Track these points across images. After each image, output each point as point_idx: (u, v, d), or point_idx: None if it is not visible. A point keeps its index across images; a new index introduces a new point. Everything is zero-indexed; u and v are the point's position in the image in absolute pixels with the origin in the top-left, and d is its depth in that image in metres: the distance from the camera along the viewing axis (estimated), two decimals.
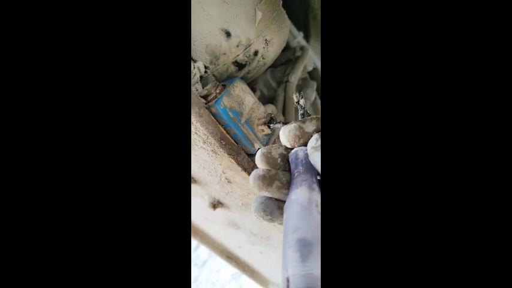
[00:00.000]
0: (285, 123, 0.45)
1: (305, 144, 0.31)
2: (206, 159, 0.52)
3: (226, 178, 0.54)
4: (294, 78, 0.76)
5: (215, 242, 0.96)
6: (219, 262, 1.81)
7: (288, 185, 0.31)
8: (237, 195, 0.58)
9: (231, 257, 1.00)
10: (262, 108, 0.50)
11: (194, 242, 1.87)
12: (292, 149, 0.33)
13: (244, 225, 0.73)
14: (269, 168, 0.32)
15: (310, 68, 0.91)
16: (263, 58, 0.53)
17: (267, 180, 0.31)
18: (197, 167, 0.56)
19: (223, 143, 0.46)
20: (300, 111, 0.39)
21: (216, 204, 0.66)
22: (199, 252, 1.92)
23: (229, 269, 1.76)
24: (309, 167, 0.30)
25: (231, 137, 0.47)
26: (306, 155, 0.30)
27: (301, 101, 0.40)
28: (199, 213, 0.80)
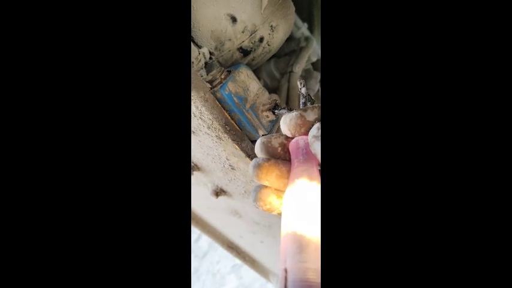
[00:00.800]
0: (290, 109, 0.45)
1: (306, 134, 0.31)
2: (210, 146, 0.52)
3: (229, 165, 0.54)
4: (298, 69, 0.76)
5: (217, 231, 0.97)
6: (220, 253, 1.83)
7: (287, 175, 0.30)
8: (240, 182, 0.59)
9: (232, 247, 1.01)
10: (267, 94, 0.50)
11: (195, 234, 1.89)
12: (293, 138, 0.32)
13: (246, 214, 0.73)
14: (269, 157, 0.32)
15: (314, 59, 0.91)
16: (268, 45, 0.53)
17: (266, 169, 0.30)
18: (201, 154, 0.56)
19: (228, 129, 0.46)
20: (302, 100, 0.39)
21: (218, 192, 0.66)
22: (199, 243, 1.94)
23: (230, 261, 1.77)
24: (310, 156, 0.29)
25: (235, 123, 0.47)
26: (307, 144, 0.30)
27: (303, 89, 0.40)
28: (202, 201, 0.80)
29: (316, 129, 0.29)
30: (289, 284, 0.22)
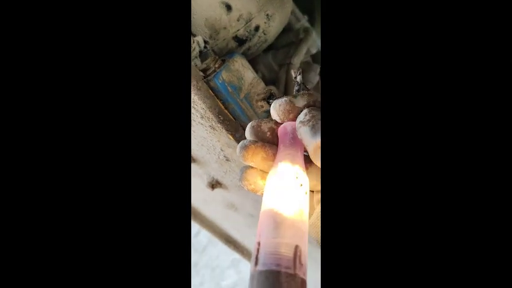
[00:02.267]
0: None
1: (295, 119, 0.31)
2: (204, 136, 0.51)
3: (224, 156, 0.54)
4: (297, 60, 0.75)
5: (214, 225, 0.97)
6: (219, 248, 1.83)
7: (273, 158, 0.31)
8: (235, 174, 0.58)
9: (230, 241, 1.01)
10: (262, 84, 0.49)
11: (194, 228, 1.89)
12: (282, 123, 0.33)
13: (243, 207, 0.73)
14: (256, 140, 0.32)
15: (313, 51, 0.89)
16: (264, 34, 0.52)
17: (252, 150, 0.31)
18: (195, 144, 0.55)
19: (222, 119, 0.46)
20: (296, 87, 0.39)
21: (214, 184, 0.66)
22: (199, 238, 1.94)
23: (229, 255, 1.77)
24: (296, 141, 0.30)
25: (229, 113, 0.47)
26: (294, 130, 0.31)
27: (299, 77, 0.39)
28: (198, 194, 0.80)
29: (303, 115, 0.29)
30: (260, 256, 0.23)
